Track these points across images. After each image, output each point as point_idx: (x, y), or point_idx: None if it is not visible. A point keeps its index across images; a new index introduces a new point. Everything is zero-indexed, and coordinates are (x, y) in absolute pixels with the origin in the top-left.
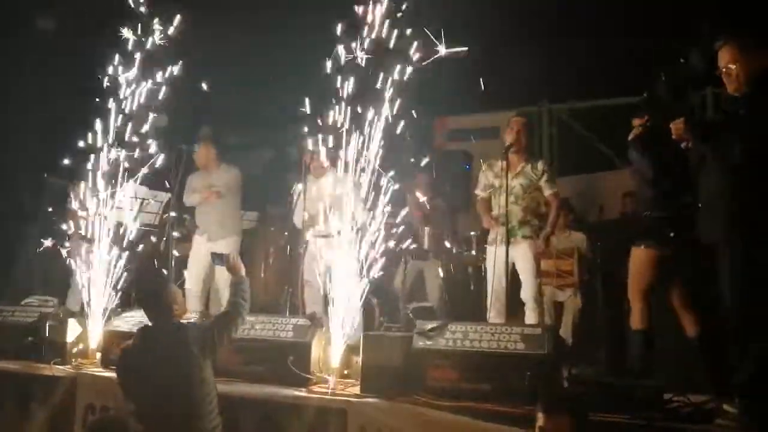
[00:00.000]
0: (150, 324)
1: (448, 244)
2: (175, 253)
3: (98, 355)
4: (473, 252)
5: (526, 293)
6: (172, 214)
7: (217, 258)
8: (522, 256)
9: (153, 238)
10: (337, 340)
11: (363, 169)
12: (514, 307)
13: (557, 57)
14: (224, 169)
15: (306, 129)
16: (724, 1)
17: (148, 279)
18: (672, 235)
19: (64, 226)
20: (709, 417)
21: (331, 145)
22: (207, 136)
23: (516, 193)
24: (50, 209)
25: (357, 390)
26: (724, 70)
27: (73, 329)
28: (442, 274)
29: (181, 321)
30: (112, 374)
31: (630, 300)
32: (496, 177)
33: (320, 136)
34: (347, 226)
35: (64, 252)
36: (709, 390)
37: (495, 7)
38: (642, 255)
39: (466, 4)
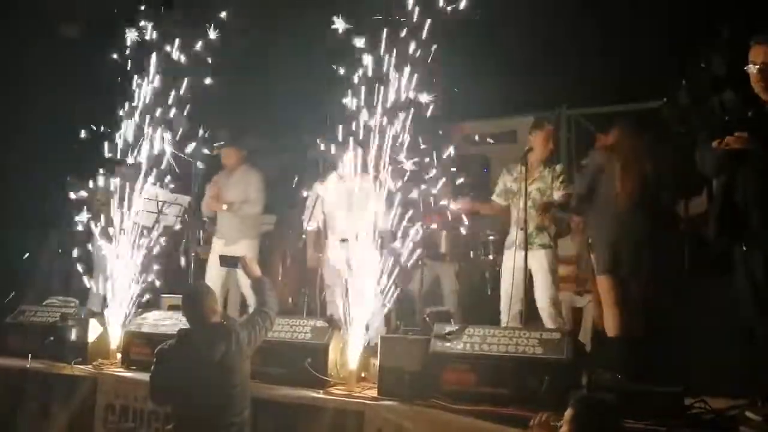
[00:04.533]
0: (189, 327)
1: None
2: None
3: (118, 355)
4: (491, 256)
5: (540, 303)
6: (191, 215)
7: (228, 261)
8: (538, 266)
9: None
10: (355, 342)
11: (385, 173)
12: (531, 312)
13: (576, 61)
14: (244, 173)
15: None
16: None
17: (189, 286)
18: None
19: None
20: (732, 424)
21: (352, 148)
22: (227, 141)
23: (533, 197)
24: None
25: (374, 392)
26: (758, 67)
27: (94, 329)
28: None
29: (221, 321)
30: (133, 374)
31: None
32: (514, 181)
33: (343, 138)
34: (368, 228)
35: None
36: (731, 396)
37: (513, 12)
38: None
39: (483, 8)
